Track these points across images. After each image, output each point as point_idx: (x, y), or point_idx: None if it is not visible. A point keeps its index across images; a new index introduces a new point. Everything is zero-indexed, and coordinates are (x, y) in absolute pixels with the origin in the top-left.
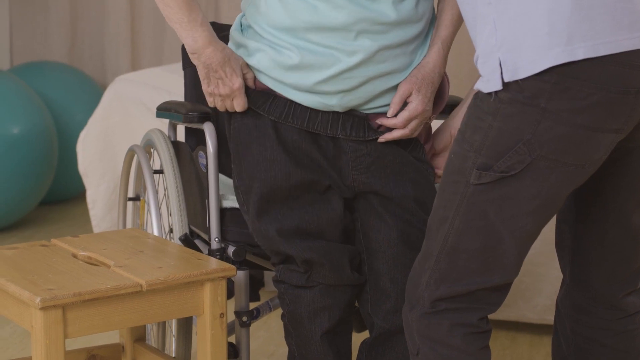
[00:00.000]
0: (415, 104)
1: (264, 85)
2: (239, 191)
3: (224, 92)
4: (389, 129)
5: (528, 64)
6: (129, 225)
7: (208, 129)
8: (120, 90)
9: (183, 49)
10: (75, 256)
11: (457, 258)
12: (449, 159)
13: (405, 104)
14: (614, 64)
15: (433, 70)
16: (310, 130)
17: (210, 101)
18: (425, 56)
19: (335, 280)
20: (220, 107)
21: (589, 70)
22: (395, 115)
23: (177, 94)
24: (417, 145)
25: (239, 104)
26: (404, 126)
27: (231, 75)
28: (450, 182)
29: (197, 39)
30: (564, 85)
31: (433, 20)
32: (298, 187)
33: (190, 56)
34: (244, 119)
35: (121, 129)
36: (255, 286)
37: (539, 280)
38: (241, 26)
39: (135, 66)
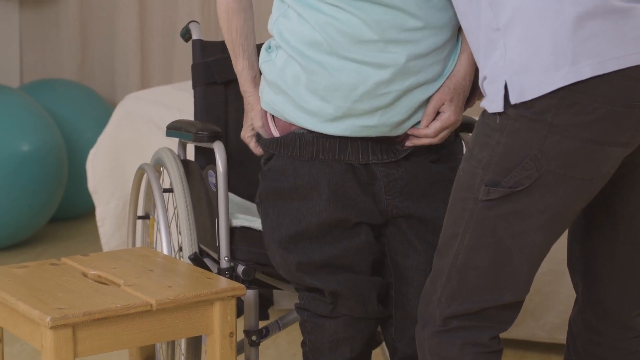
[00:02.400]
0: (448, 114)
1: (289, 124)
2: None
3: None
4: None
5: (535, 84)
6: (138, 243)
7: (218, 148)
8: (129, 108)
9: (193, 67)
10: (85, 275)
11: (468, 275)
12: (457, 176)
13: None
14: (620, 78)
15: (464, 78)
16: (343, 160)
17: None
18: (455, 64)
19: (361, 313)
20: None
21: (596, 85)
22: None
23: (187, 111)
24: (451, 154)
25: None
26: (435, 136)
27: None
28: (459, 199)
29: (241, 88)
30: (570, 100)
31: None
32: (326, 225)
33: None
34: (276, 161)
35: (131, 146)
36: (264, 305)
37: (549, 298)
38: (269, 48)
39: (144, 84)
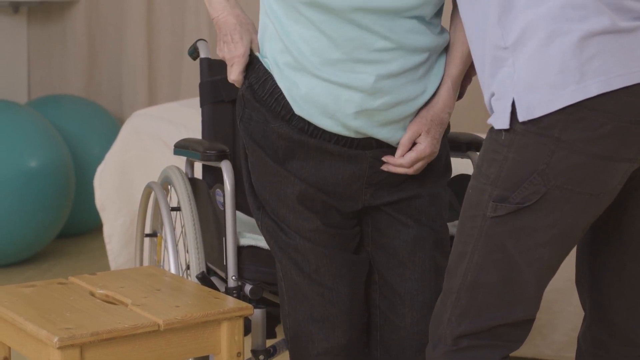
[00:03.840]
0: (424, 146)
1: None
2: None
3: (226, 56)
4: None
5: (543, 102)
6: (145, 261)
7: (225, 168)
8: (137, 124)
9: (201, 86)
10: (92, 294)
11: (478, 293)
12: (466, 194)
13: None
14: (626, 95)
15: (443, 110)
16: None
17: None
18: (434, 95)
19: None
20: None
21: (602, 102)
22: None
23: (194, 128)
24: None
25: (233, 72)
26: (409, 166)
27: (237, 42)
28: (468, 217)
29: (214, 6)
30: (577, 115)
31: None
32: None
33: (214, 22)
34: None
35: (138, 163)
36: (271, 323)
37: (556, 316)
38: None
39: (152, 99)
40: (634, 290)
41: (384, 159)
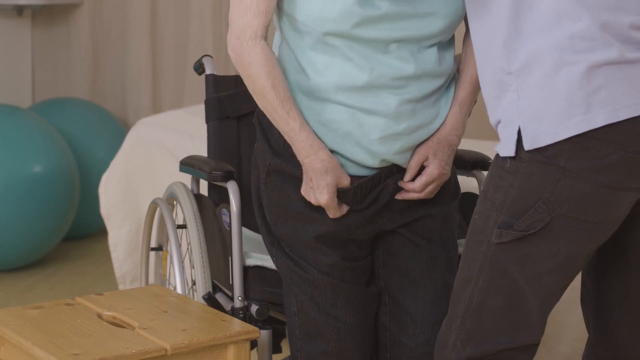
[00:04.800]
0: (432, 168)
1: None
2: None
3: (312, 202)
4: None
5: (549, 132)
6: (151, 275)
7: (232, 188)
8: (142, 133)
9: (206, 102)
10: (100, 316)
11: (482, 318)
12: (472, 220)
13: (422, 167)
14: (632, 125)
15: (450, 132)
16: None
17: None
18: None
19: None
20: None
21: (608, 132)
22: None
23: (199, 137)
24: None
25: (331, 213)
26: (421, 191)
27: (322, 189)
28: (474, 242)
29: (300, 151)
30: (583, 145)
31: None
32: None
33: (302, 164)
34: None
35: (143, 172)
36: (277, 338)
37: (560, 328)
38: None
39: (156, 103)
40: (639, 311)
41: (400, 184)
